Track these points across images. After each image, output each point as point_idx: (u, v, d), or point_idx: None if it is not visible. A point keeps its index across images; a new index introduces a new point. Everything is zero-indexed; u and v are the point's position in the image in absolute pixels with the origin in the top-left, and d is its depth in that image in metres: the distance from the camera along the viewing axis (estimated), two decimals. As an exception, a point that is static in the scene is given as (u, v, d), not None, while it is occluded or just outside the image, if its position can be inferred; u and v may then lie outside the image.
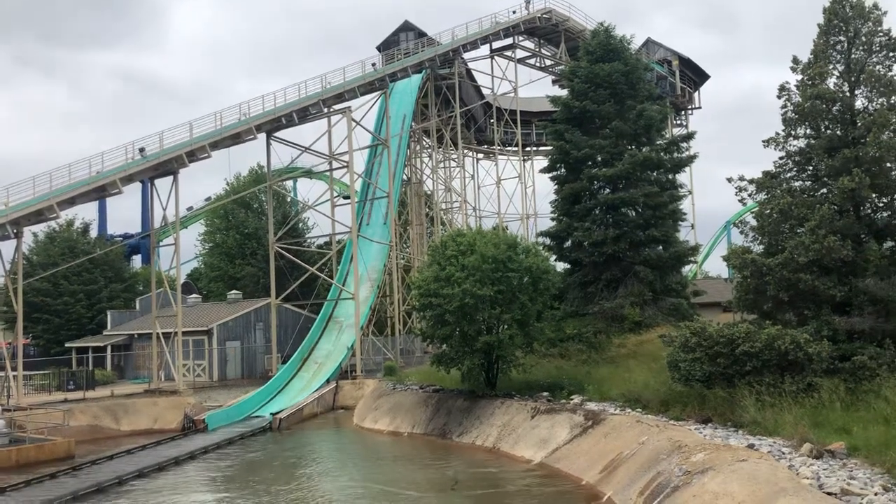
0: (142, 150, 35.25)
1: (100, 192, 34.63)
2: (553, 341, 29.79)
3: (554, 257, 34.32)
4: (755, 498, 12.87)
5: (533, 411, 24.61)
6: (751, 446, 16.29)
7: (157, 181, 37.52)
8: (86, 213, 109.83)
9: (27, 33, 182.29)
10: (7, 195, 31.55)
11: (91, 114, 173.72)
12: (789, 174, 23.49)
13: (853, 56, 22.73)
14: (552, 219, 35.97)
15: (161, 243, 41.76)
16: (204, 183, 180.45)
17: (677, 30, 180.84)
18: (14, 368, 33.23)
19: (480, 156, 63.91)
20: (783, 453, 15.51)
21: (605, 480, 18.15)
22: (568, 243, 34.57)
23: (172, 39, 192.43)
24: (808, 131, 23.01)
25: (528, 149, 62.04)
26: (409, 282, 41.95)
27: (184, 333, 38.31)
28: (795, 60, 23.55)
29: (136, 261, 70.38)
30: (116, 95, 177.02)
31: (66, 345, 48.18)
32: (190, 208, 69.29)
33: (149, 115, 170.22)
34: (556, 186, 35.72)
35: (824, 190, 22.56)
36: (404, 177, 53.18)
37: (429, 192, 57.81)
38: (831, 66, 22.98)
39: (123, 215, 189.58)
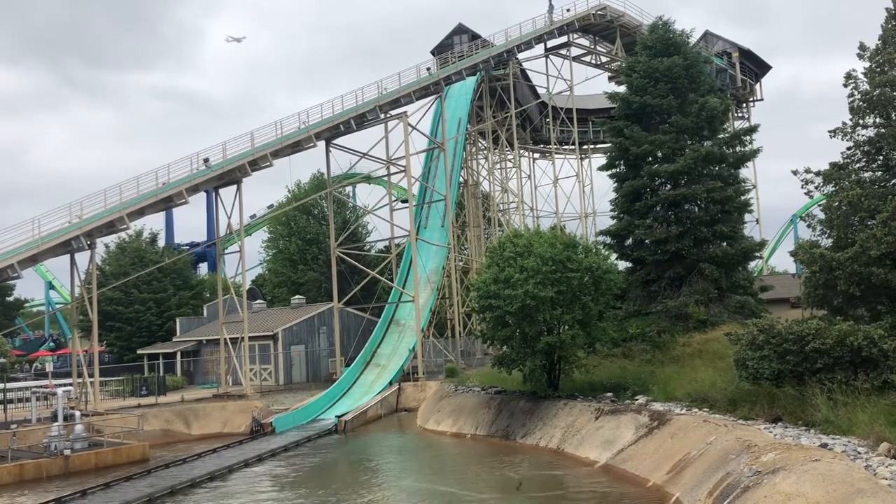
0: (206, 160, 36.23)
1: (167, 203, 35.71)
2: (616, 341, 29.41)
3: (615, 256, 33.90)
4: (830, 499, 12.50)
5: (597, 412, 24.38)
6: (824, 446, 15.82)
7: (221, 190, 38.48)
8: (154, 223, 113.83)
9: (74, 58, 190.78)
10: (81, 208, 32.80)
11: (138, 132, 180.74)
12: (858, 165, 22.73)
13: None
14: (612, 217, 35.53)
15: (226, 251, 42.76)
16: (266, 191, 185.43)
17: (707, 25, 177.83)
18: (91, 375, 34.50)
19: (537, 155, 63.51)
20: (859, 453, 15.02)
21: (673, 481, 17.88)
22: (629, 241, 34.12)
23: (208, 58, 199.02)
24: (878, 120, 22.21)
25: (585, 147, 61.38)
26: (469, 284, 42.00)
27: (250, 338, 39.18)
28: (862, 47, 22.78)
29: (203, 268, 72.23)
30: (160, 114, 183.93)
31: (138, 352, 49.80)
32: (253, 216, 70.81)
33: (195, 132, 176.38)
34: (615, 184, 35.28)
35: (896, 180, 21.78)
36: (461, 179, 53.30)
37: (486, 194, 57.81)
38: (901, 52, 22.15)
39: (189, 225, 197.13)
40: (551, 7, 52.47)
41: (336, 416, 33.53)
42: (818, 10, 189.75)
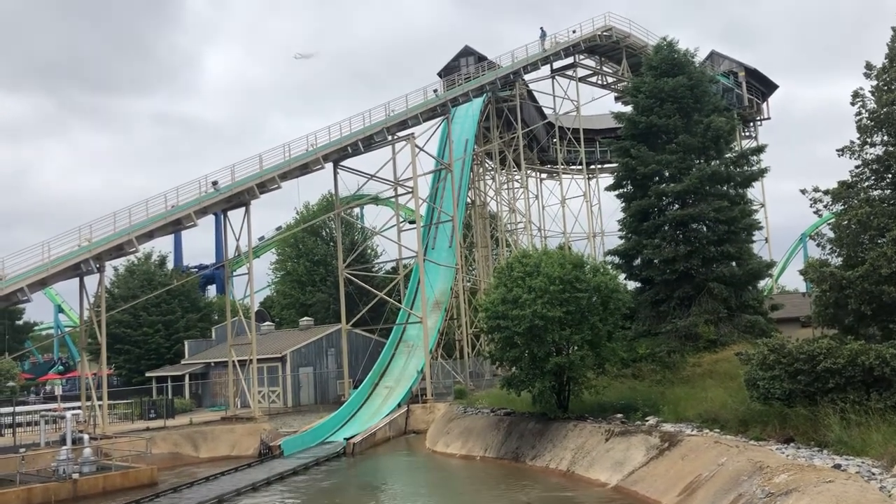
0: (215, 183, 36.45)
1: (176, 226, 35.86)
2: (625, 362, 29.25)
3: (623, 276, 33.80)
4: (844, 521, 12.35)
5: (607, 433, 24.20)
6: (837, 466, 15.64)
7: (229, 213, 38.59)
8: (162, 246, 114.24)
9: (73, 83, 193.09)
10: (90, 231, 32.97)
11: (140, 156, 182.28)
12: (867, 183, 22.67)
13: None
14: (620, 237, 35.51)
15: (235, 273, 42.89)
16: (274, 213, 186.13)
17: (694, 46, 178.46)
18: (99, 398, 34.49)
19: (544, 176, 63.63)
20: (873, 474, 14.84)
21: (685, 503, 17.70)
22: (637, 261, 34.01)
23: (206, 83, 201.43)
24: (886, 138, 22.21)
25: (592, 167, 61.47)
26: (477, 304, 41.94)
27: (258, 360, 39.13)
28: (869, 66, 22.81)
29: (211, 291, 72.29)
30: (160, 138, 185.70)
31: (147, 374, 49.74)
32: (261, 238, 70.98)
33: (195, 156, 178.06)
34: (622, 204, 35.28)
35: (906, 198, 21.69)
36: (468, 199, 53.36)
37: (493, 214, 57.85)
38: (909, 70, 22.15)
39: (198, 247, 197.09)
40: (543, 34, 52.68)
41: (345, 439, 33.39)
42: (805, 31, 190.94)
